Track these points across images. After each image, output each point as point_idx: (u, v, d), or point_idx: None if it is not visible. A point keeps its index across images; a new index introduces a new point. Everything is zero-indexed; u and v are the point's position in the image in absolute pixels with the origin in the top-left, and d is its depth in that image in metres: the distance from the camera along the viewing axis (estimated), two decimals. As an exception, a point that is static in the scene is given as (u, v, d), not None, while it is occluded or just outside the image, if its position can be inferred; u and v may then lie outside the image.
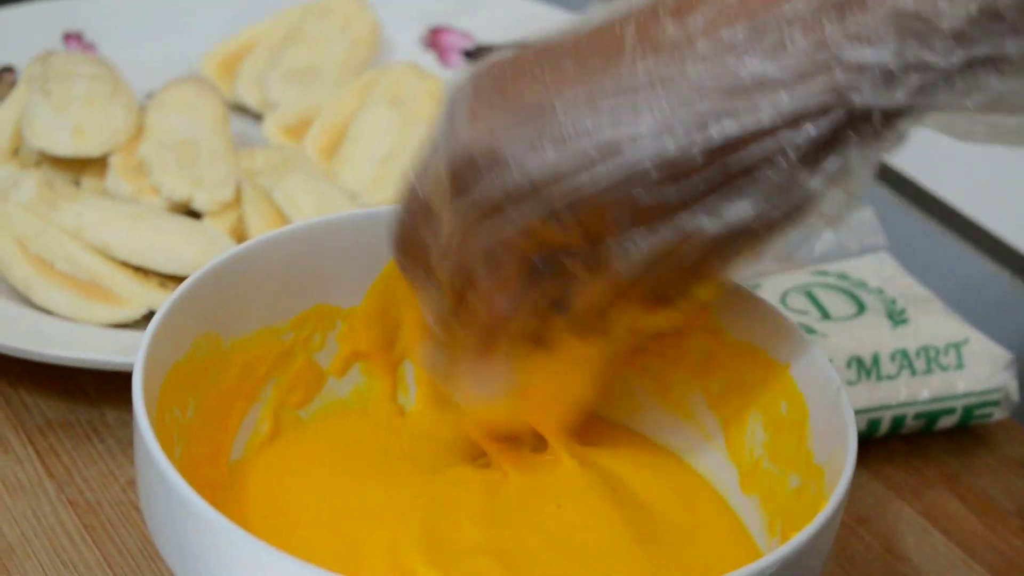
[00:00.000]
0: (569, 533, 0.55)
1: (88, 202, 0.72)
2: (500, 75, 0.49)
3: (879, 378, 0.69)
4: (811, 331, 0.70)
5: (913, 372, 0.69)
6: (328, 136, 0.82)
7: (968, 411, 0.70)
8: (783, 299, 0.72)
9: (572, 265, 0.50)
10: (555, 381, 0.56)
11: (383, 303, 0.61)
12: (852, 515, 0.66)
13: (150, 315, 0.71)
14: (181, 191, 0.75)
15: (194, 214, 0.75)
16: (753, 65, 0.46)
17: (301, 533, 0.54)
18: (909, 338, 0.70)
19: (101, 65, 0.80)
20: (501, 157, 0.48)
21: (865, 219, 0.77)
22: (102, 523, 0.63)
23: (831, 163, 0.47)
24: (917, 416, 0.69)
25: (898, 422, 0.69)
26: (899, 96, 0.46)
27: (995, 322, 0.75)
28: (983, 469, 0.70)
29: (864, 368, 0.69)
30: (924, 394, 0.69)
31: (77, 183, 0.77)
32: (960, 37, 0.45)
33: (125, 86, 0.79)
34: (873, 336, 0.70)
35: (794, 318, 0.64)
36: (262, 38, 0.89)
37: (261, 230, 0.74)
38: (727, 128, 0.46)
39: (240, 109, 0.87)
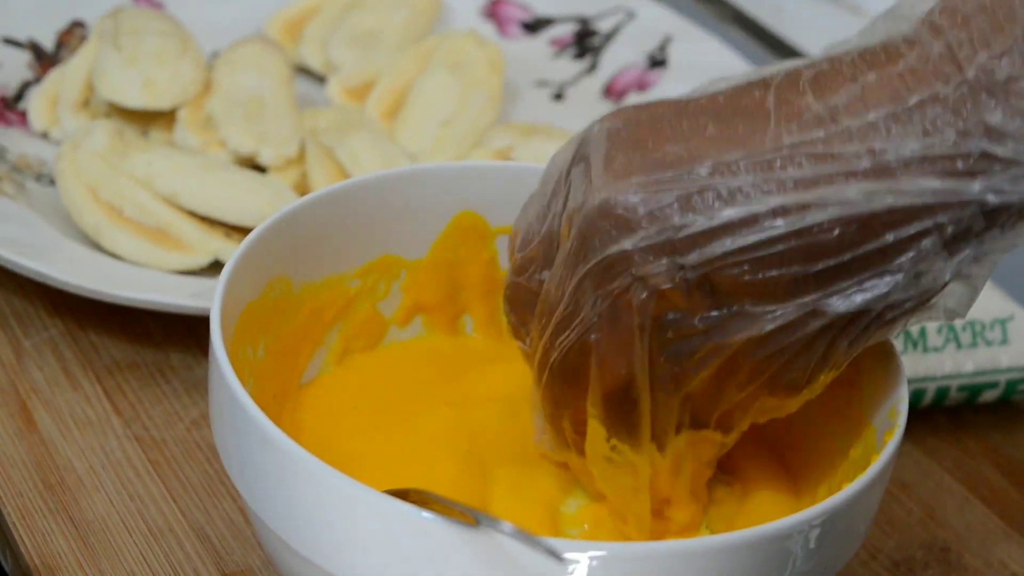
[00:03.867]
0: None
1: (158, 152, 0.74)
2: (637, 127, 0.48)
3: (925, 350, 0.70)
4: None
5: (959, 345, 0.71)
6: (390, 99, 0.84)
7: (1011, 385, 0.71)
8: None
9: (692, 332, 0.49)
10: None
11: (447, 257, 0.63)
12: (895, 482, 0.68)
13: (215, 263, 0.73)
14: (247, 146, 0.77)
15: (259, 169, 0.77)
16: (901, 149, 0.46)
17: (354, 464, 0.55)
18: (956, 312, 0.71)
19: (170, 22, 0.82)
20: (640, 213, 0.47)
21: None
22: (167, 459, 0.65)
23: (965, 254, 0.47)
24: (961, 388, 0.71)
25: (942, 394, 0.71)
26: None
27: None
28: (1024, 443, 0.72)
29: (911, 339, 0.70)
30: (968, 367, 0.71)
31: (145, 135, 0.79)
32: None
33: (193, 43, 0.81)
34: (920, 309, 0.71)
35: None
36: (326, 1, 0.91)
37: (324, 186, 0.75)
38: (873, 209, 0.46)
39: (303, 71, 0.89)
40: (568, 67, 0.92)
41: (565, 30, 0.94)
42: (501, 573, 0.47)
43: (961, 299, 0.49)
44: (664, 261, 0.48)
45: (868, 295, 0.48)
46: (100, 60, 0.79)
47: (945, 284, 0.48)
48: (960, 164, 0.46)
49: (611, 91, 0.90)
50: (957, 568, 0.64)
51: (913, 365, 0.70)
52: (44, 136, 0.81)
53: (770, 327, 0.48)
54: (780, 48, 0.97)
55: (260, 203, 0.73)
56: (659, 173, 0.48)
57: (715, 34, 0.94)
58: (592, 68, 0.91)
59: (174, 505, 0.62)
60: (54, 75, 0.82)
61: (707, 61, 0.89)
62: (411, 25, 0.90)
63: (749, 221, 0.47)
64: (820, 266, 0.47)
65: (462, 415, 0.58)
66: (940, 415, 0.72)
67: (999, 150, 0.46)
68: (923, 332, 0.70)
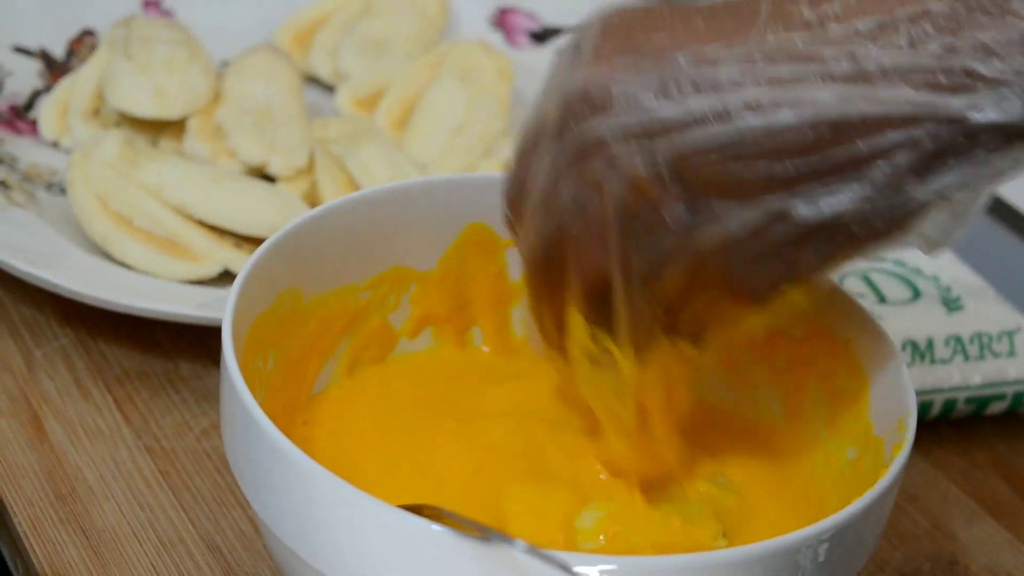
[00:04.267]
0: None
1: (168, 162, 0.75)
2: (631, 19, 0.49)
3: (932, 362, 0.70)
4: (868, 313, 0.71)
5: (966, 357, 0.71)
6: (399, 108, 0.84)
7: (1018, 397, 0.71)
8: (840, 282, 0.74)
9: (661, 227, 0.49)
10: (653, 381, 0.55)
11: (456, 269, 0.63)
12: (902, 494, 0.68)
13: (224, 273, 0.73)
14: (257, 155, 0.77)
15: (268, 179, 0.78)
16: (882, 57, 0.46)
17: (363, 477, 0.55)
18: (963, 324, 0.71)
19: (180, 31, 0.82)
20: (616, 96, 0.48)
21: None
22: (177, 470, 0.65)
23: (941, 177, 0.46)
24: (968, 400, 0.71)
25: (949, 406, 0.71)
26: (1016, 114, 0.45)
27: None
28: (1031, 455, 0.72)
29: (918, 351, 0.70)
30: (976, 379, 0.71)
31: (154, 145, 0.79)
32: None
33: (203, 51, 0.81)
34: (928, 321, 0.72)
35: (853, 299, 0.65)
36: (335, 11, 0.91)
37: (334, 197, 0.76)
38: (845, 113, 0.46)
39: (312, 80, 0.89)
40: (576, 77, 0.92)
41: (573, 40, 0.94)
42: (512, 587, 0.47)
43: (942, 227, 0.48)
44: (636, 146, 0.48)
45: (836, 203, 0.47)
46: (110, 69, 0.79)
47: (923, 207, 0.47)
48: (943, 78, 0.45)
49: (619, 101, 0.90)
50: (964, 580, 0.65)
51: (920, 377, 0.70)
52: (55, 145, 0.81)
53: (736, 227, 0.48)
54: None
55: (269, 213, 0.73)
56: (640, 59, 0.48)
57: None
58: (600, 78, 0.92)
59: (184, 515, 0.63)
60: (64, 84, 0.83)
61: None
62: (420, 34, 0.90)
63: (721, 114, 0.47)
64: (789, 167, 0.47)
65: (471, 431, 0.58)
66: (947, 427, 0.72)
67: (985, 68, 0.45)
68: (930, 344, 0.71)
